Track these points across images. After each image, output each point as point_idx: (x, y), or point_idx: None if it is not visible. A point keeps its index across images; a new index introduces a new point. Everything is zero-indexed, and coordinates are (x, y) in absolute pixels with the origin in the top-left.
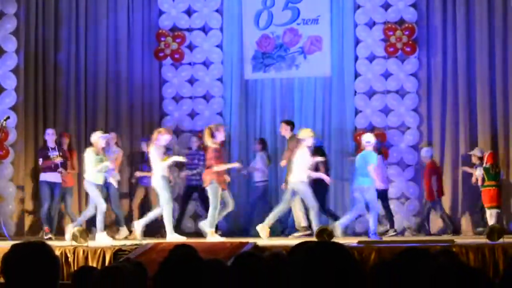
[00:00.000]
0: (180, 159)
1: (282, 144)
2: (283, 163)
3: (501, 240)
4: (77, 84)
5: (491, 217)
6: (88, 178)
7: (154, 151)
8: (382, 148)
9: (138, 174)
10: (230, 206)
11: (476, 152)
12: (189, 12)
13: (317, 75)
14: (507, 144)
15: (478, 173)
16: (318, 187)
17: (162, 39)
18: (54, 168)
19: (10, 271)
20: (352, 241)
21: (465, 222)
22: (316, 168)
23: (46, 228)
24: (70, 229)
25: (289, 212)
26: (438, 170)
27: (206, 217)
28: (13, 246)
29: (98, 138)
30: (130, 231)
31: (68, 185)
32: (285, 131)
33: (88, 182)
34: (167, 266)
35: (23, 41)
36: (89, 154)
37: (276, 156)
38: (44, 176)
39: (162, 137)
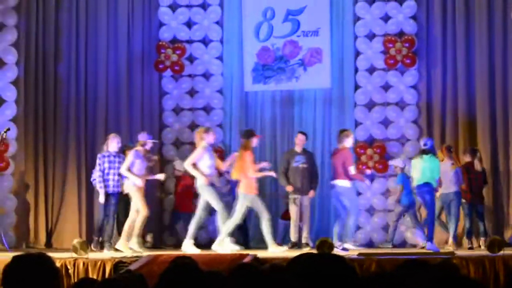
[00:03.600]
0: None
1: (280, 155)
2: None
3: (501, 252)
4: (77, 95)
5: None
6: None
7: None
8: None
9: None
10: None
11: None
12: (189, 24)
13: (317, 87)
14: (507, 157)
15: None
16: None
17: (162, 51)
18: None
19: (10, 282)
20: (353, 253)
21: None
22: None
23: None
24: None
25: None
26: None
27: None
28: (14, 258)
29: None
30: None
31: None
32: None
33: None
34: (167, 277)
35: (23, 53)
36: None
37: (275, 167)
38: None
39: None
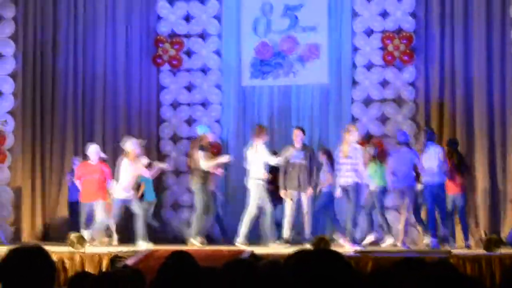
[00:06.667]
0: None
1: (279, 150)
2: None
3: (498, 251)
4: (74, 88)
5: None
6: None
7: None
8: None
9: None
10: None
11: None
12: (187, 18)
13: (315, 82)
14: (504, 153)
15: None
16: None
17: (160, 45)
18: None
19: (6, 275)
20: (349, 250)
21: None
22: None
23: None
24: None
25: None
26: None
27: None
28: (10, 251)
29: None
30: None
31: None
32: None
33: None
34: (165, 272)
35: (21, 45)
36: None
37: None
38: None
39: None
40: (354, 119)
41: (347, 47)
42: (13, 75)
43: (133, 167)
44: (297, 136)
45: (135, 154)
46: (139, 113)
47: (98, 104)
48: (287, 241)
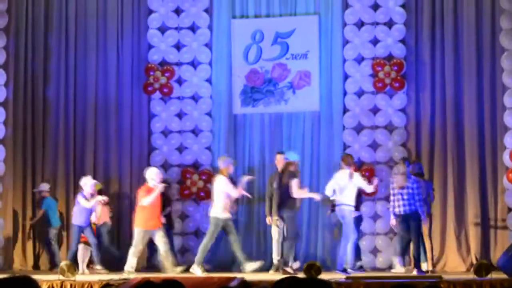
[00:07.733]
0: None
1: (269, 177)
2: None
3: (489, 276)
4: (66, 117)
5: None
6: None
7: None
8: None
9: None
10: None
11: None
12: (178, 46)
13: (306, 110)
14: (495, 179)
15: None
16: None
17: (151, 73)
18: None
19: None
20: (340, 276)
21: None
22: None
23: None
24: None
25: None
26: None
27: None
28: None
29: None
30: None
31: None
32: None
33: None
34: None
35: (12, 74)
36: None
37: (264, 190)
38: None
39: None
40: (345, 146)
41: (338, 74)
42: (4, 104)
43: (229, 185)
44: (280, 162)
45: (230, 170)
46: (131, 141)
47: (89, 133)
48: (277, 267)
